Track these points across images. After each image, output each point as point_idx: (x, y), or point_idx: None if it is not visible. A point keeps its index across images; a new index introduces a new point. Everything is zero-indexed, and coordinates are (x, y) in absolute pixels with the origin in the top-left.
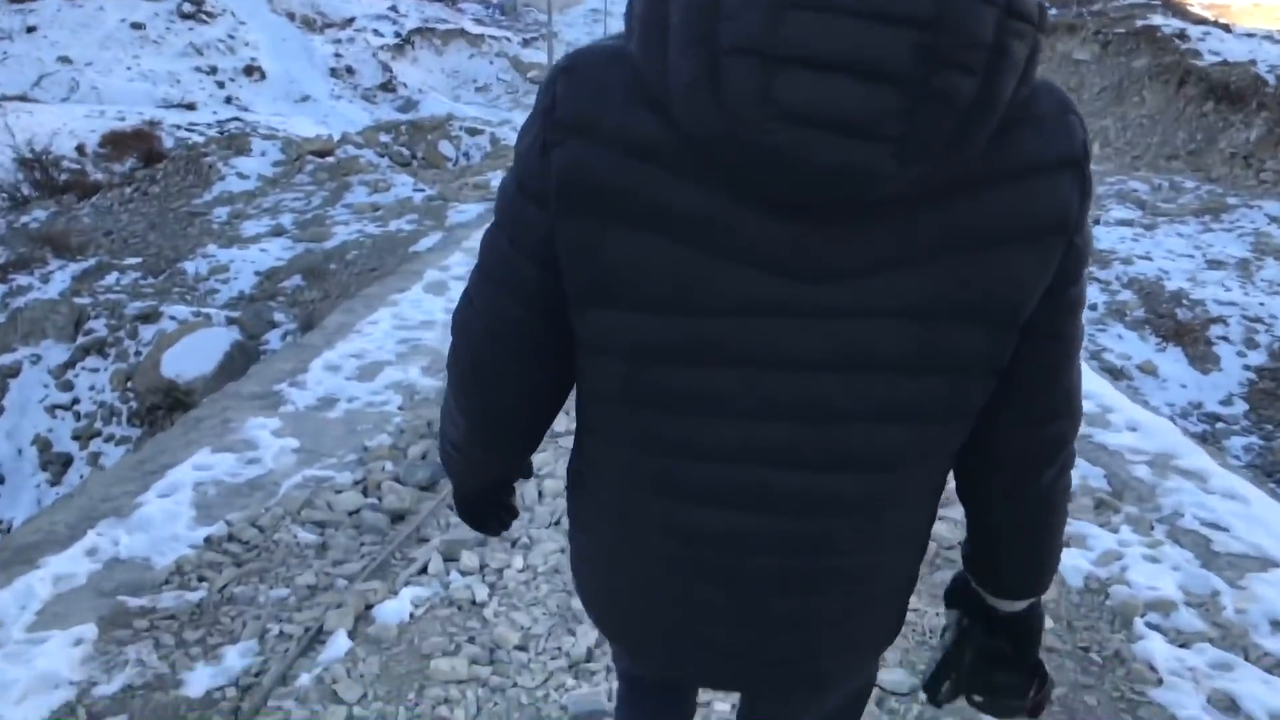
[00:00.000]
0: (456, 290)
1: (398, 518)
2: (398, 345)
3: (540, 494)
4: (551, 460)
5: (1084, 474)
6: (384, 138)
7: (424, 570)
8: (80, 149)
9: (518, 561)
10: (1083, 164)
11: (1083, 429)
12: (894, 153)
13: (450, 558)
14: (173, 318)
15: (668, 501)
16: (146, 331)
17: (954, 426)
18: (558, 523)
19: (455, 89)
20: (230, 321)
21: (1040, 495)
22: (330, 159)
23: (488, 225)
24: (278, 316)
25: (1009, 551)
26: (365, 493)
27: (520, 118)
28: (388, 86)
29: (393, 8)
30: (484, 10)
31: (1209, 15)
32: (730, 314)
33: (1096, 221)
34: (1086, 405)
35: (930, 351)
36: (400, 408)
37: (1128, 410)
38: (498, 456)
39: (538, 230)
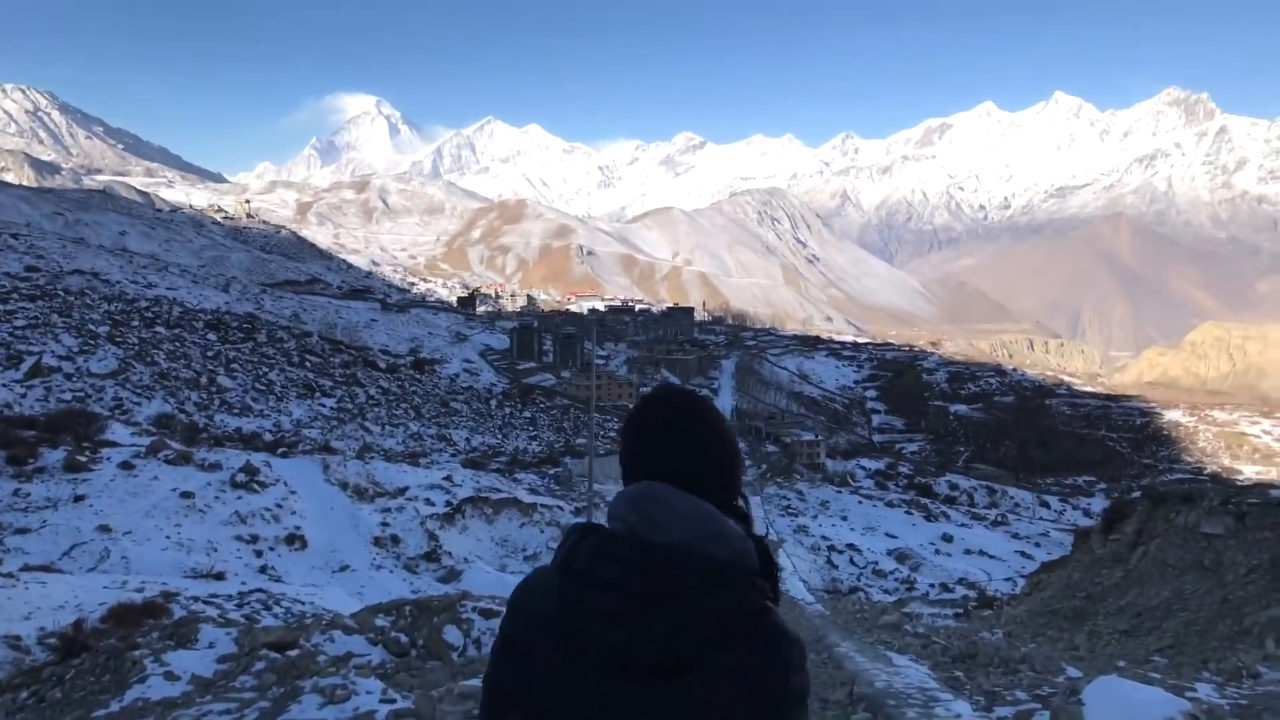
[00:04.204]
0: None
1: None
2: None
3: None
4: None
5: None
6: (381, 620)
7: None
8: (78, 625)
9: None
10: (786, 675)
11: None
12: (630, 647)
13: None
14: None
15: None
16: None
17: None
18: None
19: (503, 558)
20: None
21: None
22: (294, 652)
23: None
24: None
25: None
26: None
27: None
28: (431, 556)
29: (448, 477)
30: (539, 480)
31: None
32: None
33: None
34: None
35: None
36: None
37: None
38: None
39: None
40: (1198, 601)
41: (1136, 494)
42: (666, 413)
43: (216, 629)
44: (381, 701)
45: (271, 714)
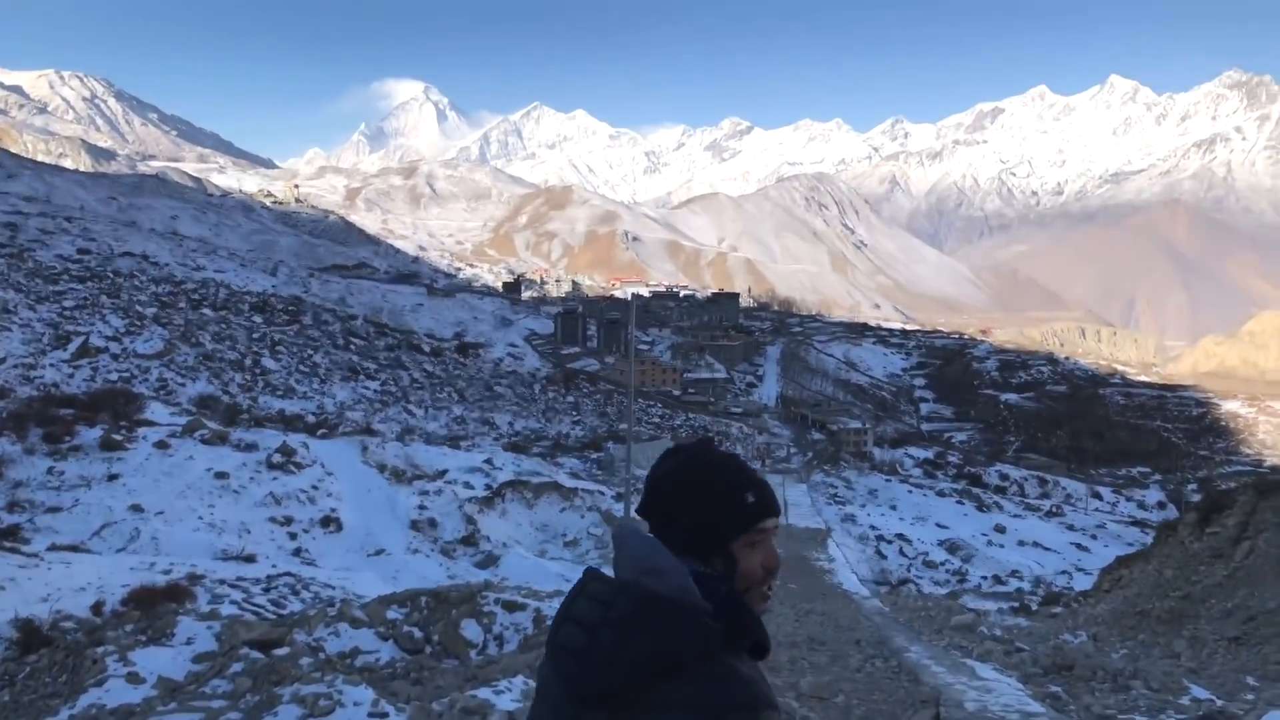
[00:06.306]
0: None
1: None
2: None
3: None
4: None
5: None
6: (393, 612)
7: None
8: (97, 607)
9: None
10: (720, 715)
11: None
12: (582, 676)
13: None
14: None
15: None
16: None
17: None
18: None
19: (543, 543)
20: None
21: None
22: (282, 651)
23: None
24: None
25: None
26: None
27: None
28: (469, 540)
29: (488, 460)
30: (581, 465)
31: None
32: None
33: None
34: None
35: None
36: None
37: None
38: None
39: None
40: None
41: (1193, 483)
42: (654, 467)
43: (197, 623)
44: (370, 715)
45: None
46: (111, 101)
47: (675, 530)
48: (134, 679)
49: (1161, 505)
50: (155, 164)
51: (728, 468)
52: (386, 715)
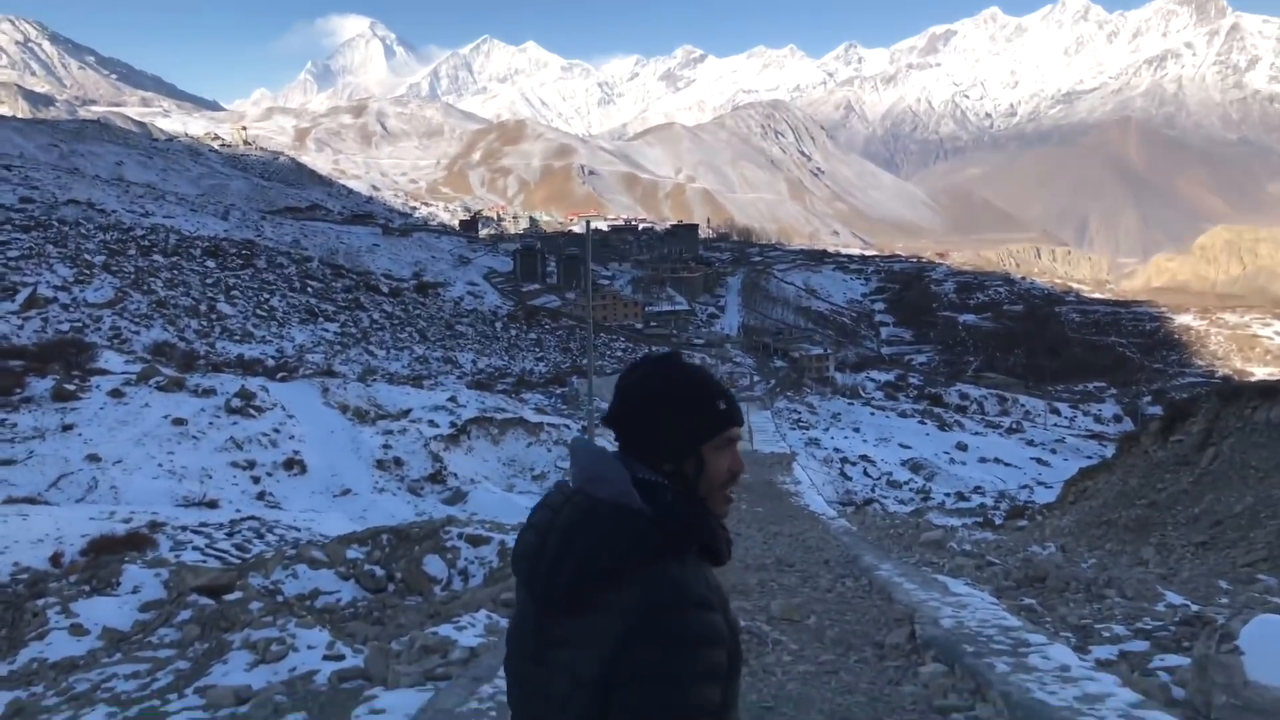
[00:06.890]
0: None
1: None
2: None
3: None
4: None
5: None
6: (354, 551)
7: None
8: (55, 559)
9: None
10: (645, 621)
11: None
12: (535, 580)
13: None
14: None
15: None
16: None
17: None
18: None
19: (510, 478)
20: None
21: None
22: (232, 596)
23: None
24: None
25: None
26: None
27: None
28: (436, 477)
29: (452, 398)
30: (546, 400)
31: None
32: (511, 657)
33: None
34: None
35: (569, 693)
36: None
37: None
38: None
39: None
40: None
41: (1148, 395)
42: (622, 376)
43: (144, 570)
44: (326, 658)
45: (189, 677)
46: (46, 45)
47: (647, 435)
48: (77, 630)
49: (1118, 418)
50: (96, 109)
51: (700, 376)
52: (343, 657)
